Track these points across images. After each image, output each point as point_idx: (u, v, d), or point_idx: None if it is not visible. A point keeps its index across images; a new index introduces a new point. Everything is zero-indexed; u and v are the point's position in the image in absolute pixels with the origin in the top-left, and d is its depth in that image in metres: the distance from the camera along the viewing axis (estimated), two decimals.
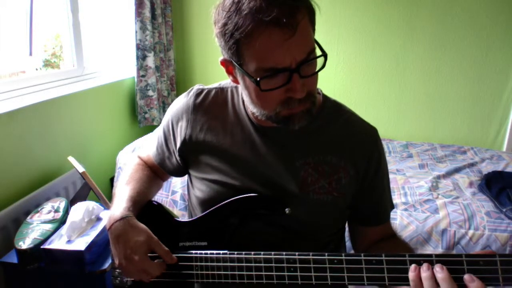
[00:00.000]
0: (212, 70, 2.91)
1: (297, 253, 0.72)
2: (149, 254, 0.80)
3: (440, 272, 0.62)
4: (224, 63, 0.77)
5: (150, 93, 2.58)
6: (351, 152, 0.84)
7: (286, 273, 0.73)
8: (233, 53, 0.71)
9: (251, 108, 0.81)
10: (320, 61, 0.73)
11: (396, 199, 1.82)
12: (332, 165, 0.83)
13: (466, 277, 0.62)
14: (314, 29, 0.73)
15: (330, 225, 0.88)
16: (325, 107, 0.88)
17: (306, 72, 0.71)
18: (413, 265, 0.65)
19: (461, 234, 1.62)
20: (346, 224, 0.96)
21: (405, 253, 0.67)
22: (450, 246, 1.62)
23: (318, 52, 0.73)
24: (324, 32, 2.67)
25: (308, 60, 0.69)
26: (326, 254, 0.70)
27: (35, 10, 1.96)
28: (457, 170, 2.15)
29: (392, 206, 0.93)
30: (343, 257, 0.69)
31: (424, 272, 0.63)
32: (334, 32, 2.68)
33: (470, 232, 1.62)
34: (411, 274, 0.64)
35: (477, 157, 2.36)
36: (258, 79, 0.70)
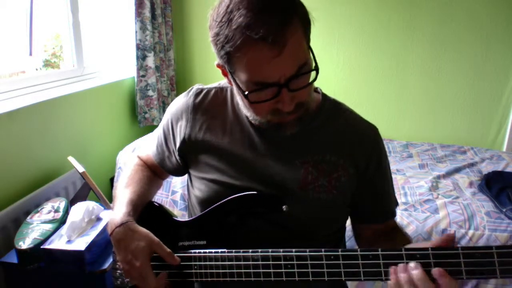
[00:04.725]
0: (212, 70, 2.89)
1: (294, 250, 0.72)
2: (154, 254, 0.80)
3: (414, 269, 0.63)
4: (219, 66, 0.78)
5: (150, 93, 2.58)
6: (351, 151, 0.84)
7: (283, 270, 0.73)
8: (225, 62, 0.72)
9: (245, 112, 0.82)
10: (313, 72, 0.73)
11: (398, 203, 1.82)
12: (331, 163, 0.83)
13: (435, 270, 0.62)
14: (308, 40, 0.72)
15: (329, 223, 0.88)
16: (324, 106, 0.88)
17: (296, 86, 0.70)
18: (391, 268, 0.65)
19: (461, 234, 1.62)
20: (347, 224, 0.96)
21: (402, 246, 0.67)
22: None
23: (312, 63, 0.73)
24: (324, 32, 2.67)
25: (297, 75, 0.69)
26: (323, 250, 0.71)
27: (35, 10, 1.96)
28: (457, 170, 2.15)
29: (396, 203, 0.93)
30: (340, 253, 0.69)
31: (402, 273, 0.64)
32: (334, 32, 2.68)
33: (470, 232, 1.62)
34: (393, 277, 0.65)
35: (477, 157, 2.36)
36: (246, 92, 0.71)
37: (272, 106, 0.73)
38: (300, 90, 0.71)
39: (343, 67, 2.73)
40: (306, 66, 0.70)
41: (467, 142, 2.63)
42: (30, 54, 1.98)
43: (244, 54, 0.67)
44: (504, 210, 1.69)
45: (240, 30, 0.66)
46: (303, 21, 0.70)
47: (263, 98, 0.71)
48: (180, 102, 0.93)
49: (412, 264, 0.64)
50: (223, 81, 0.93)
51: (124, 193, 0.90)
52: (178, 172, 0.99)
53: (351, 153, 0.84)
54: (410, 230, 1.65)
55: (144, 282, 0.79)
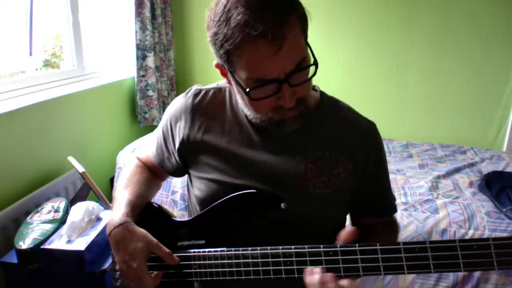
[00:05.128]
0: (212, 70, 2.88)
1: (293, 247, 0.73)
2: (152, 255, 0.80)
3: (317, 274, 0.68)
4: (218, 66, 0.79)
5: (150, 93, 2.58)
6: (350, 147, 0.85)
7: (282, 267, 0.73)
8: (225, 61, 0.73)
9: (245, 111, 0.82)
10: (312, 67, 0.73)
11: (396, 199, 1.82)
12: (331, 160, 0.84)
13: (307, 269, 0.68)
14: (306, 36, 0.73)
15: (329, 220, 0.88)
16: (322, 103, 0.88)
17: (297, 81, 0.71)
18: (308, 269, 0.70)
19: (461, 234, 1.62)
20: (347, 224, 0.96)
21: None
22: None
23: (311, 58, 0.73)
24: (324, 32, 2.67)
25: (297, 70, 0.70)
26: (322, 246, 0.71)
27: (35, 10, 1.96)
28: (457, 170, 2.15)
29: (394, 198, 0.94)
30: (338, 249, 0.70)
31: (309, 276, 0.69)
32: (334, 32, 2.68)
33: (470, 232, 1.62)
34: (309, 278, 0.69)
35: (477, 157, 2.36)
36: (247, 89, 0.71)
37: (274, 103, 0.73)
38: (300, 86, 0.72)
39: (343, 67, 2.73)
40: (305, 61, 0.71)
41: (467, 142, 2.63)
42: (30, 54, 1.98)
43: (244, 51, 0.68)
44: (504, 210, 1.69)
45: (239, 28, 0.66)
46: (301, 17, 0.71)
47: (264, 95, 0.71)
48: (179, 103, 0.93)
49: (316, 269, 0.69)
50: (221, 82, 0.93)
51: (123, 194, 0.90)
52: (178, 173, 0.99)
53: (350, 150, 0.85)
54: (410, 230, 1.65)
55: (140, 283, 0.79)
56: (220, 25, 0.69)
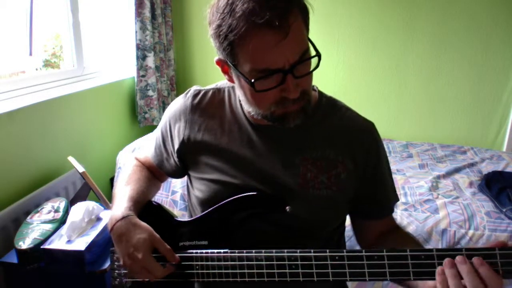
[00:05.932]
0: (212, 70, 2.91)
1: (298, 251, 0.72)
2: (153, 255, 0.80)
3: (463, 263, 0.61)
4: (219, 62, 0.78)
5: (150, 93, 2.58)
6: (349, 147, 0.85)
7: (287, 271, 0.73)
8: (228, 54, 0.72)
9: (247, 108, 0.82)
10: (314, 60, 0.73)
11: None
12: (330, 160, 0.84)
13: (458, 258, 0.61)
14: (308, 29, 0.74)
15: (330, 221, 0.88)
16: (321, 103, 0.88)
17: (300, 72, 0.71)
18: (439, 268, 0.63)
19: (461, 234, 1.62)
20: (348, 222, 0.96)
21: (411, 247, 0.67)
22: (450, 246, 1.62)
23: (313, 51, 0.73)
24: (324, 32, 2.67)
25: (301, 61, 0.70)
26: (328, 250, 0.71)
27: (35, 10, 1.96)
28: (457, 170, 2.15)
29: (396, 198, 0.93)
30: (345, 254, 0.69)
31: (448, 269, 0.62)
32: (334, 32, 2.68)
33: (470, 232, 1.62)
34: (438, 277, 0.63)
35: (477, 157, 2.36)
36: (252, 80, 0.71)
37: (277, 95, 0.73)
38: (304, 77, 0.72)
39: (343, 67, 2.73)
40: (307, 53, 0.72)
41: (467, 142, 2.63)
42: (30, 54, 1.98)
43: (249, 41, 0.68)
44: (504, 210, 1.69)
45: (244, 17, 0.66)
46: (302, 9, 0.71)
47: (268, 86, 0.71)
48: (178, 103, 0.93)
49: (476, 260, 0.61)
50: (220, 82, 0.94)
51: (124, 191, 0.90)
52: (177, 174, 0.99)
53: (349, 149, 0.85)
54: (410, 230, 1.65)
55: (148, 273, 0.78)
56: (224, 17, 0.69)
